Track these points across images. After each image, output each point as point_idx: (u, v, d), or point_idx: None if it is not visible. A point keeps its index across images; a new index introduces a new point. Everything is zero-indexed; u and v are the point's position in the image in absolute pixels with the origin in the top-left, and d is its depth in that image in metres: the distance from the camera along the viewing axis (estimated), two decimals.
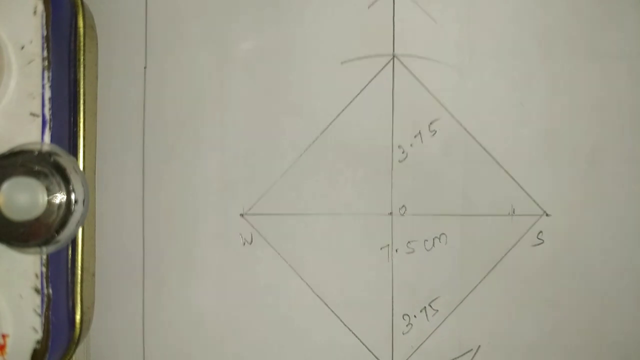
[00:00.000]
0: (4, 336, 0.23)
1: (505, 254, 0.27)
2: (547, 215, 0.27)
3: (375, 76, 0.27)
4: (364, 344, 0.27)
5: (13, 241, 0.22)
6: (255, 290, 0.27)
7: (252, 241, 0.27)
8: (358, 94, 0.27)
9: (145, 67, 0.27)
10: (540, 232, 0.27)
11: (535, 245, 0.27)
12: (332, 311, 0.27)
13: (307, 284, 0.27)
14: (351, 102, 0.27)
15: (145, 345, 0.27)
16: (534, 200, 0.27)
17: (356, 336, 0.27)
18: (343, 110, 0.27)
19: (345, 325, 0.27)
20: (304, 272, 0.27)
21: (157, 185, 0.27)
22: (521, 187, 0.27)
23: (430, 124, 0.27)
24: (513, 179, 0.27)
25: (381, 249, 0.27)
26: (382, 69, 0.27)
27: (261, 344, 0.27)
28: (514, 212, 0.27)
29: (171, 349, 0.27)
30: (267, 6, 0.27)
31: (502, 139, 0.27)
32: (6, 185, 0.22)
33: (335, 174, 0.27)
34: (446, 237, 0.27)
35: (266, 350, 0.27)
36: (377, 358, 0.27)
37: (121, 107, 0.27)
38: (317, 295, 0.27)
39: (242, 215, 0.27)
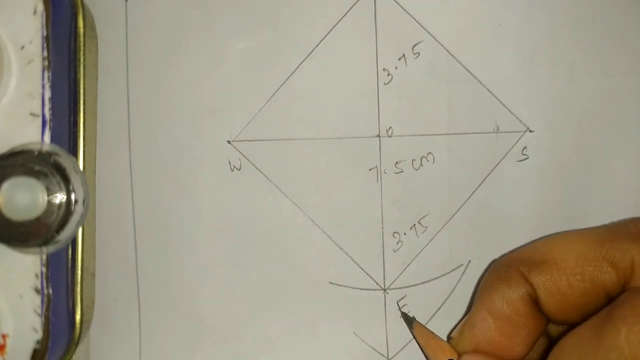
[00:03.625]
0: (4, 336, 0.23)
1: (492, 170, 0.27)
2: (530, 131, 0.27)
3: (357, 1, 0.27)
4: (355, 262, 0.27)
5: (13, 241, 0.22)
6: (246, 215, 0.27)
7: (240, 167, 0.27)
8: (341, 19, 0.27)
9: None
10: (525, 147, 0.27)
11: (520, 160, 0.27)
12: (324, 231, 0.27)
13: (297, 206, 0.27)
14: (334, 26, 0.27)
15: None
16: (517, 117, 0.27)
17: (348, 255, 0.27)
18: (327, 34, 0.27)
19: (337, 245, 0.27)
20: (294, 196, 0.27)
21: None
22: (504, 105, 0.27)
23: (414, 46, 0.27)
24: (496, 97, 0.27)
25: (370, 170, 0.27)
26: None
27: (254, 267, 0.27)
28: (498, 130, 0.27)
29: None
30: None
31: (483, 59, 0.27)
32: (6, 185, 0.22)
33: (322, 97, 0.27)
34: (433, 156, 0.27)
35: (259, 273, 0.27)
36: (369, 275, 0.27)
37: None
38: (308, 217, 0.27)
39: (229, 141, 0.27)
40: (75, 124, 0.25)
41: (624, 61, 0.27)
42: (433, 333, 0.26)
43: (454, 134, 0.27)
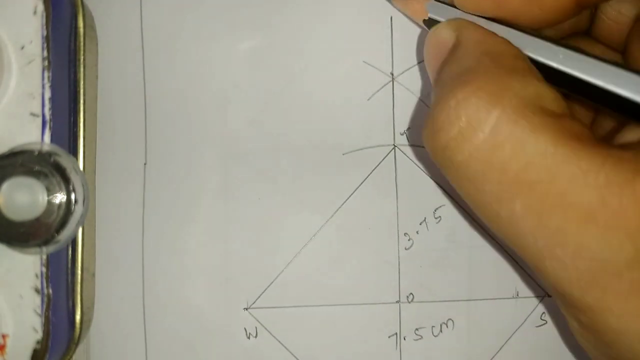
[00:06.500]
0: (4, 336, 0.23)
1: (511, 336, 0.27)
2: (548, 296, 0.27)
3: (377, 165, 0.27)
4: None
5: (13, 241, 0.22)
6: None
7: (257, 335, 0.27)
8: (361, 183, 0.27)
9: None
10: (543, 313, 0.27)
11: (538, 326, 0.27)
12: None
13: None
14: (354, 191, 0.27)
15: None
16: (537, 283, 0.27)
17: None
18: (347, 199, 0.27)
19: None
20: None
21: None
22: (524, 270, 0.27)
23: (435, 210, 0.27)
24: (516, 261, 0.27)
25: (389, 337, 0.27)
26: (383, 158, 0.27)
27: None
28: (517, 295, 0.27)
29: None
30: (269, 101, 0.27)
31: None
32: (6, 185, 0.22)
33: (341, 263, 0.27)
34: (453, 322, 0.27)
35: None
36: None
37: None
38: None
39: (245, 309, 0.27)
40: (75, 124, 0.25)
41: None
42: None
43: (474, 299, 0.27)
